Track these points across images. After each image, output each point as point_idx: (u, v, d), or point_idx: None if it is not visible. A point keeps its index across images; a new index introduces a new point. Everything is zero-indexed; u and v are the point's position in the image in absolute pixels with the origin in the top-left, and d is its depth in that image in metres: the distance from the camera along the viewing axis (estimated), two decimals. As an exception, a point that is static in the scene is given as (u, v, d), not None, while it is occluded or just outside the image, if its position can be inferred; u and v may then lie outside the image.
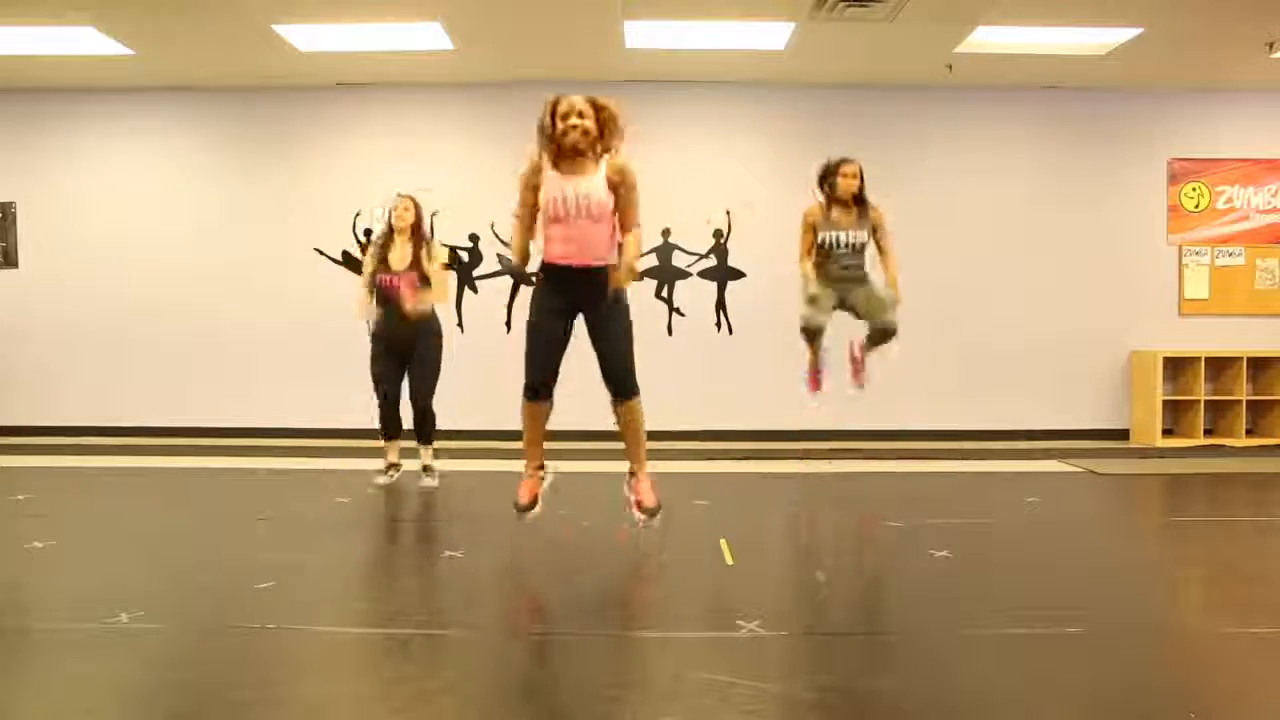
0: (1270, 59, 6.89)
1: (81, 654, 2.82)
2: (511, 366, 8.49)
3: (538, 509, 3.99)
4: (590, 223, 3.81)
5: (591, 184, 3.82)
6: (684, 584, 3.70)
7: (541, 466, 4.07)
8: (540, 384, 3.92)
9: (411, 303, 5.27)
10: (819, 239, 5.28)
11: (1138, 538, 4.75)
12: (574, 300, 3.89)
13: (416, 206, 5.43)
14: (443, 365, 5.49)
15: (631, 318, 3.96)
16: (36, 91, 7.79)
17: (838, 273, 5.30)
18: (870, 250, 5.29)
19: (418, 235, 5.39)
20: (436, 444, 5.63)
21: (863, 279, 5.31)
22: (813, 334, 5.42)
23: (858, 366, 5.57)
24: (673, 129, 7.88)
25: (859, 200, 5.31)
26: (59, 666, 2.74)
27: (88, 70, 7.29)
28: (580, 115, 3.84)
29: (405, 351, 5.40)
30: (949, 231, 7.83)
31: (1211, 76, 7.52)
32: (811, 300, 5.32)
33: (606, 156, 3.87)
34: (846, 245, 5.24)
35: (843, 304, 5.38)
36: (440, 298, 5.46)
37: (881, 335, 5.38)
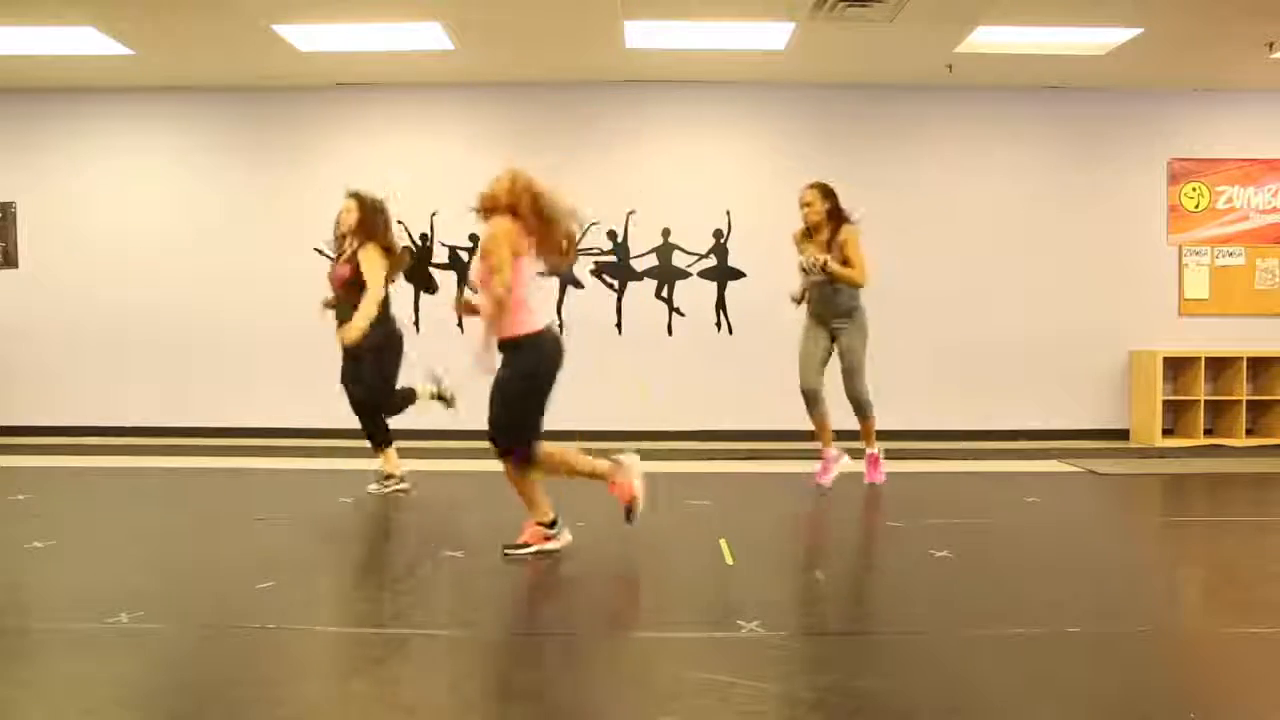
0: (1270, 59, 6.88)
1: (81, 654, 2.82)
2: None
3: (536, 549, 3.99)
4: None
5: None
6: (684, 584, 3.70)
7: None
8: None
9: (332, 301, 5.19)
10: (799, 264, 5.42)
11: (1138, 538, 4.75)
12: None
13: (360, 207, 5.17)
14: (391, 374, 5.27)
15: (521, 378, 3.87)
16: (36, 91, 7.80)
17: (819, 302, 5.36)
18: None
19: (360, 236, 5.12)
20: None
21: (848, 314, 5.34)
22: (808, 398, 5.48)
23: (870, 463, 5.60)
24: (673, 129, 7.89)
25: (834, 220, 5.28)
26: (59, 666, 2.75)
27: (88, 70, 7.29)
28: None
29: (351, 359, 5.23)
30: (949, 231, 7.83)
31: (1211, 76, 7.52)
32: (805, 332, 5.45)
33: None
34: (817, 268, 5.27)
35: (834, 340, 5.42)
36: (366, 309, 5.03)
37: (856, 408, 5.47)
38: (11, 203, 7.96)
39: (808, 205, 5.30)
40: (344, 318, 5.12)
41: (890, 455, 5.74)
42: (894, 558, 4.14)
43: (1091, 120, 7.89)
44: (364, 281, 5.04)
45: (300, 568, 3.85)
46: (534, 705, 2.53)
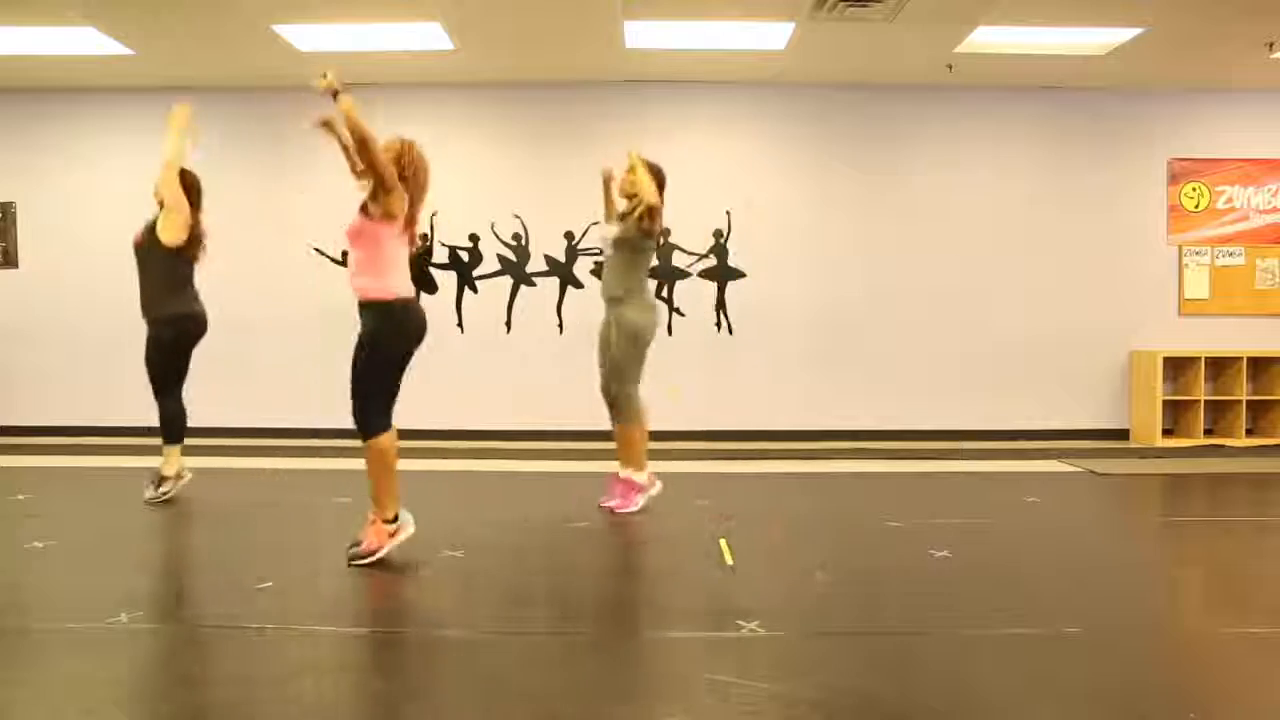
0: (1270, 59, 6.89)
1: (81, 654, 2.82)
2: (513, 366, 8.46)
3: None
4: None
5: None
6: (684, 584, 3.70)
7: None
8: None
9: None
10: None
11: (1138, 538, 4.75)
12: None
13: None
14: (165, 363, 5.31)
15: (374, 351, 3.85)
16: (36, 91, 7.79)
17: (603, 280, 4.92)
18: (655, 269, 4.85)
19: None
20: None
21: (614, 301, 4.77)
22: (604, 397, 4.82)
23: (613, 485, 4.83)
24: (673, 129, 7.88)
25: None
26: (59, 666, 2.75)
27: (88, 70, 7.29)
28: None
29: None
30: (949, 231, 7.83)
31: (1211, 76, 7.52)
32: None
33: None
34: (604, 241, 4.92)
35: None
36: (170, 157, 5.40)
37: (611, 406, 4.76)
38: (11, 203, 7.95)
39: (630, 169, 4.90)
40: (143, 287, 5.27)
41: (891, 455, 5.74)
42: (894, 558, 4.14)
43: (1091, 120, 7.88)
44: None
45: (299, 567, 3.85)
46: (534, 705, 2.53)
